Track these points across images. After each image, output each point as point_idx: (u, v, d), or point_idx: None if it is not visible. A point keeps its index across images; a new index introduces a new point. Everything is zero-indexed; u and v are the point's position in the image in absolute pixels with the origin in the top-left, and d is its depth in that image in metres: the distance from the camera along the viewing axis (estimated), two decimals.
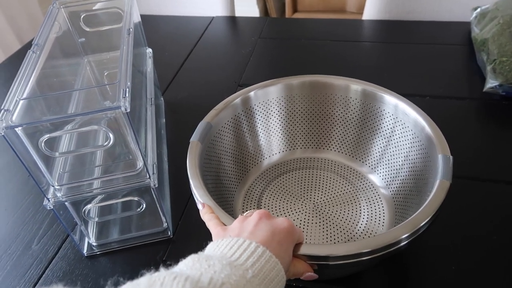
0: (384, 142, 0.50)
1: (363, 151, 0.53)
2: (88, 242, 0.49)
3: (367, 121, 0.52)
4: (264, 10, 2.17)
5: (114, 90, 0.39)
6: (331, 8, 2.12)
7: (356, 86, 0.50)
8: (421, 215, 0.36)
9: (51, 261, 0.48)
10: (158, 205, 0.46)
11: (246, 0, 2.03)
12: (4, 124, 0.35)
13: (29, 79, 0.41)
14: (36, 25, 1.58)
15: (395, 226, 0.45)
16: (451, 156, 0.40)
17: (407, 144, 0.47)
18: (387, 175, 0.50)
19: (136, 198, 0.46)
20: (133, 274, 0.45)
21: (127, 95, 0.37)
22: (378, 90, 0.49)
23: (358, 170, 0.53)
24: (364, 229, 0.47)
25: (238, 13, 1.02)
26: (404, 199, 0.46)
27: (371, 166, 0.52)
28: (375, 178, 0.51)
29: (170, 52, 0.86)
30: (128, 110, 0.36)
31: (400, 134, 0.48)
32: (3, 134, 0.35)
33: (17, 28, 1.52)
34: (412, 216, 0.36)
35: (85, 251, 0.48)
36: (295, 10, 2.17)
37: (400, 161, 0.48)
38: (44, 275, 0.47)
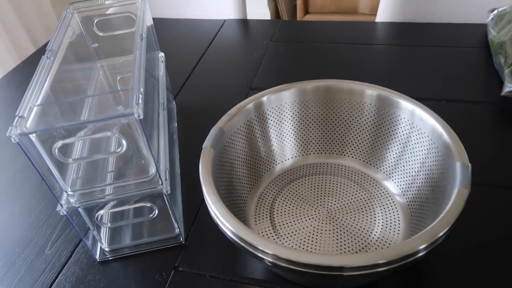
0: (400, 149, 0.49)
1: (378, 157, 0.52)
2: (101, 247, 0.49)
3: (382, 126, 0.51)
4: (275, 12, 2.16)
5: (127, 95, 0.39)
6: (343, 9, 2.10)
7: (371, 91, 0.49)
8: (440, 225, 0.35)
9: (64, 266, 0.48)
10: (170, 211, 0.46)
11: (257, 2, 2.03)
12: (18, 131, 0.35)
13: (43, 85, 0.41)
14: (50, 29, 1.60)
15: (410, 235, 0.44)
16: (469, 164, 0.39)
17: (424, 151, 0.46)
18: (402, 182, 0.49)
19: (148, 204, 0.46)
20: (146, 280, 0.45)
21: (140, 101, 0.37)
22: (394, 96, 0.48)
23: (373, 176, 0.52)
24: (379, 237, 0.46)
25: (249, 15, 1.02)
26: (420, 208, 0.45)
27: (386, 172, 0.51)
28: (390, 185, 0.50)
29: (182, 56, 0.86)
30: (141, 117, 0.36)
31: (416, 140, 0.47)
32: (17, 141, 0.35)
33: (31, 32, 1.54)
34: (430, 226, 0.35)
35: (97, 256, 0.48)
36: (306, 11, 2.16)
37: (416, 168, 0.47)
38: (57, 280, 0.47)
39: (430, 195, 0.44)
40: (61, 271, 0.48)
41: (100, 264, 0.48)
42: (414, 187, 0.47)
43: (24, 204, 0.57)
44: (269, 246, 0.35)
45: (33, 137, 0.36)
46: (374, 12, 2.03)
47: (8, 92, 0.81)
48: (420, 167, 0.46)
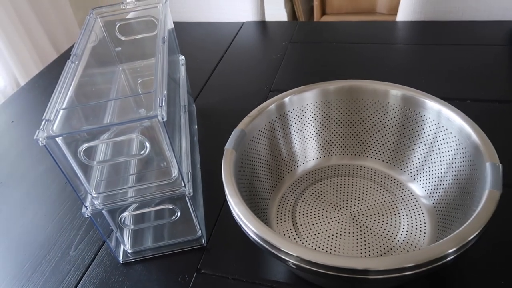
0: (426, 150, 0.48)
1: (403, 158, 0.51)
2: (124, 249, 0.49)
3: (407, 127, 0.50)
4: (292, 13, 2.16)
5: (148, 98, 0.39)
6: (360, 9, 2.08)
7: (395, 91, 0.48)
8: (470, 228, 0.34)
9: (88, 268, 0.49)
10: (192, 213, 0.46)
11: (274, 3, 2.03)
12: (45, 134, 0.35)
13: (68, 89, 0.42)
14: (71, 34, 1.64)
15: (437, 238, 0.43)
16: (500, 165, 0.38)
17: (451, 151, 0.44)
18: (428, 184, 0.48)
19: (171, 206, 0.46)
20: (168, 283, 0.46)
21: (163, 104, 0.37)
22: (420, 95, 0.47)
23: (397, 178, 0.51)
24: (404, 241, 0.45)
25: (266, 17, 1.02)
26: (447, 210, 0.44)
27: (411, 174, 0.50)
28: (416, 187, 0.49)
29: (201, 58, 0.86)
30: (165, 119, 0.36)
31: (443, 141, 0.45)
32: (44, 144, 0.35)
33: (53, 38, 1.57)
34: (460, 229, 0.34)
35: (120, 258, 0.49)
36: (323, 12, 2.15)
37: (443, 169, 0.45)
38: (81, 282, 0.47)
39: (457, 197, 0.42)
40: (85, 272, 0.48)
41: (123, 266, 0.48)
42: (440, 189, 0.46)
43: (49, 206, 0.58)
44: (292, 247, 0.35)
45: (59, 140, 0.37)
46: (392, 11, 2.01)
47: (33, 97, 0.82)
48: (447, 168, 0.45)
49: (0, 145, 0.70)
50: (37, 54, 1.50)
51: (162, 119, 0.36)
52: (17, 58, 1.42)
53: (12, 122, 0.76)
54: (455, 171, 0.43)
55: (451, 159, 0.44)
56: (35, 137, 0.35)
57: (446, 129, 0.45)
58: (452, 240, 0.33)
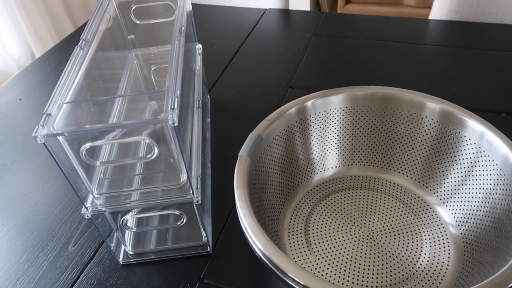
0: (461, 174, 0.44)
1: (433, 178, 0.47)
2: (125, 250, 0.47)
3: (442, 145, 0.45)
4: (315, 1, 2.08)
5: (161, 89, 0.36)
6: (386, 0, 1.99)
7: (433, 105, 0.44)
8: (509, 273, 0.30)
9: (86, 266, 0.46)
10: (199, 220, 0.43)
11: None
12: (45, 131, 0.32)
13: (74, 78, 0.39)
14: (88, 7, 1.60)
15: (461, 272, 0.39)
16: None
17: (491, 181, 0.40)
18: (459, 211, 0.44)
19: (177, 212, 0.43)
20: None
21: (175, 106, 0.33)
22: (460, 113, 0.42)
23: (425, 199, 0.47)
24: (424, 270, 0.41)
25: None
26: (477, 243, 0.40)
27: (441, 197, 0.46)
28: (444, 213, 0.45)
29: (219, 45, 0.82)
30: (176, 124, 0.33)
31: (482, 167, 0.41)
32: (43, 141, 0.32)
33: (70, 10, 1.54)
34: (498, 274, 0.30)
35: (121, 259, 0.46)
36: (347, 1, 2.06)
37: (479, 199, 0.41)
38: (78, 281, 0.45)
39: (491, 232, 0.38)
40: (83, 271, 0.46)
41: (123, 268, 0.46)
42: (472, 219, 0.41)
43: (51, 196, 0.55)
44: (300, 274, 0.32)
45: (60, 137, 0.33)
46: (419, 4, 1.92)
47: (44, 74, 0.79)
48: (484, 198, 0.40)
49: (6, 125, 0.68)
50: (53, 25, 1.47)
51: (173, 123, 0.33)
52: (33, 29, 1.39)
53: (20, 100, 0.73)
54: (492, 203, 0.39)
55: (489, 189, 0.40)
56: (33, 135, 0.32)
57: (487, 154, 0.40)
58: (489, 286, 0.29)
